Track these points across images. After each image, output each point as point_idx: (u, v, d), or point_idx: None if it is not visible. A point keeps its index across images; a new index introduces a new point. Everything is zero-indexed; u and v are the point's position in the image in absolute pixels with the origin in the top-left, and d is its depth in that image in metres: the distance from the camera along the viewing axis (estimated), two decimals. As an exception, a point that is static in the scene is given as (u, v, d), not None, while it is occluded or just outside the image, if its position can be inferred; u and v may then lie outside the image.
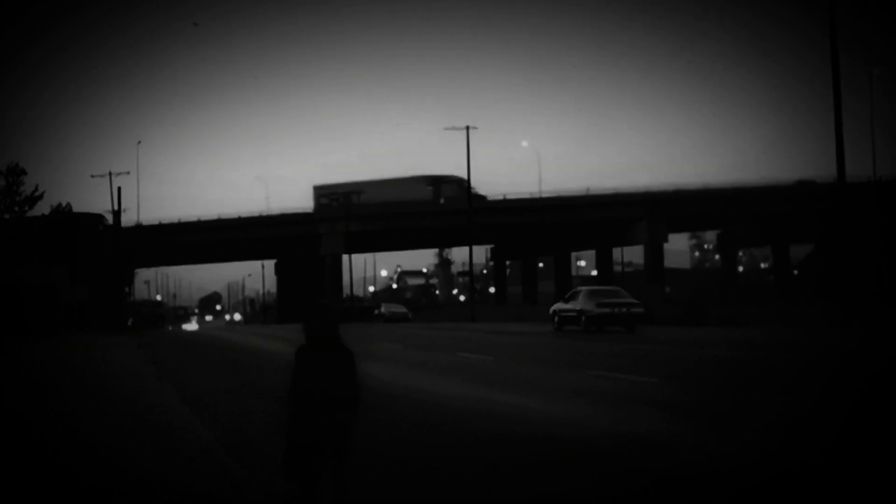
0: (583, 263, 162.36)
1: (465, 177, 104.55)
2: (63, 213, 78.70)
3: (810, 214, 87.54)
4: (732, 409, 14.27)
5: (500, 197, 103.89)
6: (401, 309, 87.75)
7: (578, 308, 44.04)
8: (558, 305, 47.26)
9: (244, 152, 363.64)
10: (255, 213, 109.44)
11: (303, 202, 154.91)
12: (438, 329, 53.46)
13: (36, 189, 73.55)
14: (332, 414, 6.68)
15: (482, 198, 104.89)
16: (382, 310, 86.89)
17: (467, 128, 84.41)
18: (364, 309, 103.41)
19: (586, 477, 9.60)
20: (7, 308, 55.31)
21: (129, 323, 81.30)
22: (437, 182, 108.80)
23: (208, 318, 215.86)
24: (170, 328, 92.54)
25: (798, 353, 25.77)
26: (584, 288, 48.71)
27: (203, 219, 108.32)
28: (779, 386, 17.44)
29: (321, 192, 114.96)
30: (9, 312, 54.79)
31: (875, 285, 48.86)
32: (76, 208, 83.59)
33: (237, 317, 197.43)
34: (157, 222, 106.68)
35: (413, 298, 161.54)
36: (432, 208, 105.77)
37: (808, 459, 10.16)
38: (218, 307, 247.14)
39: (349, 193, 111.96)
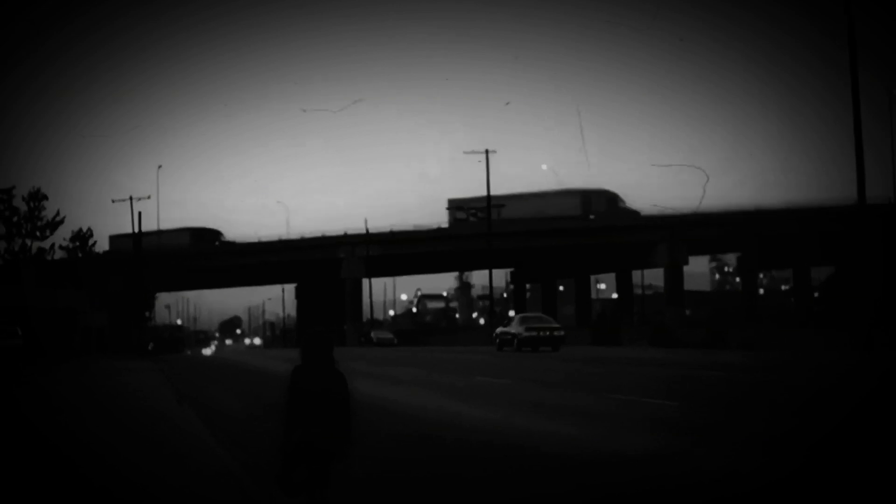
0: (603, 286, 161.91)
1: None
2: (83, 238, 79.23)
3: (830, 237, 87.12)
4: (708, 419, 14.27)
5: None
6: (388, 335, 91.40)
7: (513, 332, 51.19)
8: (500, 329, 54.68)
9: (265, 177, 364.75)
10: (276, 238, 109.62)
11: (323, 226, 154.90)
12: (455, 352, 53.98)
13: (57, 214, 74.23)
14: (323, 426, 7.03)
15: (635, 213, 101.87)
16: (372, 335, 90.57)
17: (486, 151, 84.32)
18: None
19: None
20: (26, 332, 55.52)
21: (150, 347, 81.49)
22: (587, 196, 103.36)
23: (228, 341, 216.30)
24: (188, 353, 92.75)
25: (782, 374, 25.67)
26: (517, 315, 57.68)
27: (222, 243, 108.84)
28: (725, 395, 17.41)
29: (456, 205, 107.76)
30: (27, 336, 54.99)
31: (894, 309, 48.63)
32: (97, 233, 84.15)
33: (257, 341, 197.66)
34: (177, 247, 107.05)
35: (433, 322, 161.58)
36: (580, 224, 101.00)
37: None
38: (238, 331, 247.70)
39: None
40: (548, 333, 49.64)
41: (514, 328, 51.52)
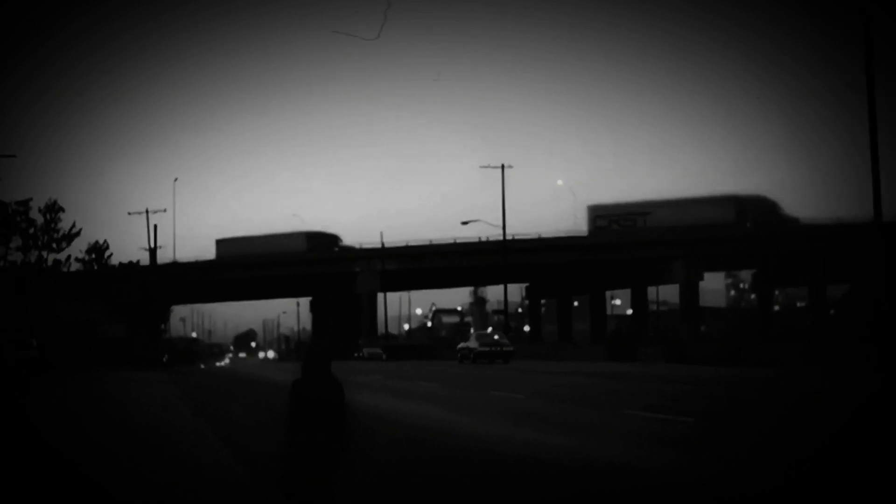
0: (618, 302, 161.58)
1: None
2: (99, 250, 79.44)
3: (846, 254, 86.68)
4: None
5: (536, 236, 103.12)
6: (377, 350, 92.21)
7: (470, 346, 58.55)
8: (461, 345, 62.20)
9: (281, 191, 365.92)
10: (291, 251, 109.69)
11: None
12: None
13: (73, 226, 74.41)
14: (322, 431, 7.31)
15: (795, 220, 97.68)
16: (364, 351, 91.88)
17: (503, 166, 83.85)
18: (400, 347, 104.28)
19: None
20: (41, 343, 55.65)
21: (165, 359, 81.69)
22: (741, 202, 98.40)
23: (242, 354, 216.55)
24: (202, 365, 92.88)
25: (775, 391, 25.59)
26: (474, 332, 67.99)
27: (238, 256, 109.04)
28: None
29: (598, 212, 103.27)
30: (42, 348, 55.11)
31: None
32: (112, 245, 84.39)
33: (271, 354, 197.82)
34: (193, 259, 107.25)
35: (448, 336, 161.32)
36: (735, 232, 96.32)
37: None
38: (253, 344, 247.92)
39: (633, 214, 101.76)
40: (499, 349, 57.09)
41: (471, 343, 59.08)
